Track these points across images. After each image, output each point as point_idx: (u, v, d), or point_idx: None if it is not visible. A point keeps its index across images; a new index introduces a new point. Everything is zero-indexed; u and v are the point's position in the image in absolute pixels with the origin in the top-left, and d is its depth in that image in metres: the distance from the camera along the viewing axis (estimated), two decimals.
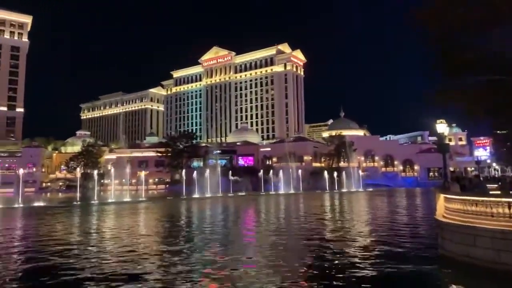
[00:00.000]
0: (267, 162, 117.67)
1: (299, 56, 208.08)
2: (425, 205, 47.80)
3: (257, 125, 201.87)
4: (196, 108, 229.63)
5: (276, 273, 12.29)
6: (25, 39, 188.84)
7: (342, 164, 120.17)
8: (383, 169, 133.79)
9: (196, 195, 75.38)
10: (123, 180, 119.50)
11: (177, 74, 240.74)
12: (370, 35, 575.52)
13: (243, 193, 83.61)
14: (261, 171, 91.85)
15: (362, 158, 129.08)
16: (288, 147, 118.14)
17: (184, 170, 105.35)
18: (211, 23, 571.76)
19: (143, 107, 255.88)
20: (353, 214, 34.12)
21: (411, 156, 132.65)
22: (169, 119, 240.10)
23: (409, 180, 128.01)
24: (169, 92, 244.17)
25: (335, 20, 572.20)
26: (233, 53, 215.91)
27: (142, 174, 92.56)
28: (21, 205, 52.00)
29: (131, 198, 65.73)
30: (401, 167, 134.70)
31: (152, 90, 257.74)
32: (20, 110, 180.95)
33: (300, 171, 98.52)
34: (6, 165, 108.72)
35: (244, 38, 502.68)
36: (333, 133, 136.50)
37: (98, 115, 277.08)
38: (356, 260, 14.06)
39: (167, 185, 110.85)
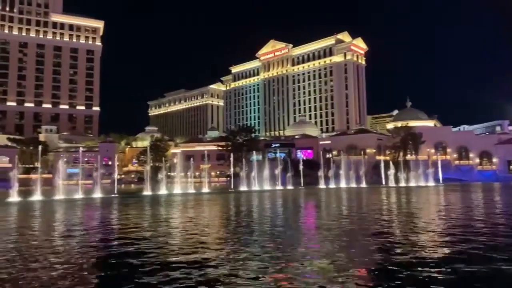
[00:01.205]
0: (327, 155, 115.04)
1: (360, 45, 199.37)
2: (507, 201, 42.79)
3: (315, 117, 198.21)
4: (254, 102, 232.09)
5: (341, 269, 11.54)
6: (98, 42, 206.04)
7: (409, 157, 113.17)
8: (456, 162, 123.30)
9: (255, 188, 76.15)
10: (187, 173, 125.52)
11: (235, 69, 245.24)
12: (439, 18, 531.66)
13: (303, 187, 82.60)
14: (321, 164, 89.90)
15: (432, 151, 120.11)
16: (350, 139, 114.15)
17: (243, 164, 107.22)
18: (268, 17, 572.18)
19: (204, 102, 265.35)
20: (424, 210, 31.60)
21: (489, 147, 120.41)
22: (229, 113, 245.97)
23: (487, 174, 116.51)
24: (228, 88, 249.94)
25: (399, 3, 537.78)
26: (290, 45, 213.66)
27: (205, 167, 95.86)
28: (100, 196, 56.81)
29: (195, 190, 68.41)
30: (477, 160, 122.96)
31: (212, 86, 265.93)
32: (96, 108, 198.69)
33: (362, 164, 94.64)
34: (86, 159, 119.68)
35: (301, 30, 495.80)
36: (399, 124, 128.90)
37: (164, 111, 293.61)
38: (428, 258, 12.76)
39: (228, 178, 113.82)
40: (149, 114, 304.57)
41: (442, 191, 61.45)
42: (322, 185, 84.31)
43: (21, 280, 10.73)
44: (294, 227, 22.47)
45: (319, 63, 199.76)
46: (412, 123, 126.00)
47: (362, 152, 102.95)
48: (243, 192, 64.72)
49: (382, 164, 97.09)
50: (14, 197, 48.48)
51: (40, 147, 75.15)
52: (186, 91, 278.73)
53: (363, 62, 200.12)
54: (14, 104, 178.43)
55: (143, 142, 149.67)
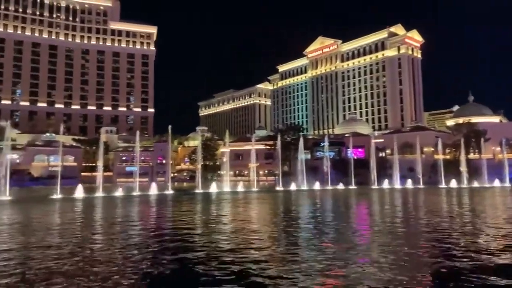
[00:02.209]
0: (380, 154, 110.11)
1: (415, 37, 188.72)
2: None
3: (367, 115, 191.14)
4: (302, 101, 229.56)
5: (399, 273, 10.57)
6: (152, 47, 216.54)
7: (471, 156, 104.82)
8: None
9: (304, 187, 74.97)
10: (237, 172, 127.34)
11: (282, 68, 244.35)
12: (501, 4, 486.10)
13: (354, 187, 79.84)
14: (373, 163, 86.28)
15: (498, 149, 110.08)
16: (405, 137, 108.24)
17: (291, 162, 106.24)
18: (315, 14, 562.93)
19: (251, 102, 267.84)
20: (493, 214, 28.66)
21: None
22: (276, 112, 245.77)
23: None
24: (275, 87, 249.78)
25: None
26: (339, 41, 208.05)
27: (253, 166, 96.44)
28: (155, 192, 59.41)
29: (244, 189, 69.01)
30: None
31: (259, 85, 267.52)
32: (151, 110, 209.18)
33: (419, 163, 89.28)
34: (142, 158, 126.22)
35: (350, 25, 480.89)
36: (460, 120, 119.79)
37: (213, 111, 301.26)
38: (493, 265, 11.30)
39: (276, 177, 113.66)
40: (200, 115, 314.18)
41: (509, 193, 55.83)
42: (374, 185, 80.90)
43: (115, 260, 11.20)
44: (349, 228, 21.46)
45: (370, 58, 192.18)
46: (475, 119, 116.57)
47: (419, 151, 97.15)
48: (292, 191, 63.98)
49: (441, 164, 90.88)
50: (79, 193, 52.15)
51: (101, 147, 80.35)
52: (234, 91, 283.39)
53: (419, 56, 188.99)
54: (78, 107, 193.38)
55: (194, 141, 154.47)
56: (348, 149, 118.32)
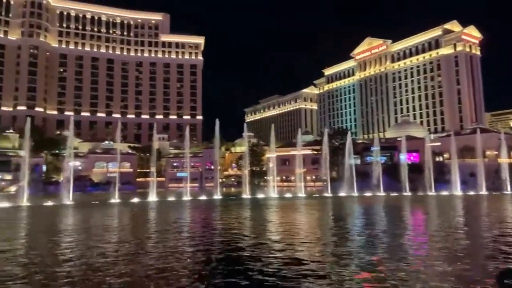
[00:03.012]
0: (437, 159, 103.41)
1: (472, 34, 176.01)
2: None
3: (421, 117, 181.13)
4: (349, 104, 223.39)
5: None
6: (200, 57, 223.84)
7: None
8: None
9: (354, 193, 72.38)
10: (283, 177, 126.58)
11: (328, 71, 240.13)
12: None
13: (408, 193, 75.56)
14: (430, 168, 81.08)
15: None
16: (464, 140, 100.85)
17: (340, 168, 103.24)
18: (361, 15, 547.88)
19: (297, 107, 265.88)
20: None
21: None
22: (322, 117, 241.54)
23: None
24: (321, 91, 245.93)
25: None
26: (389, 41, 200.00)
27: (300, 171, 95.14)
28: (204, 198, 60.73)
29: (291, 194, 68.18)
30: None
31: (305, 90, 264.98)
32: (199, 117, 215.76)
33: (481, 168, 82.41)
34: (192, 164, 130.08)
35: (398, 25, 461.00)
36: None
37: (259, 117, 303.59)
38: None
39: (324, 183, 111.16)
40: (246, 121, 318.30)
41: None
42: (431, 192, 75.95)
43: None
44: (405, 237, 20.01)
45: (424, 57, 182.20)
46: None
47: (481, 154, 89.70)
48: (342, 197, 61.95)
49: (506, 168, 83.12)
50: (136, 198, 54.72)
51: (154, 154, 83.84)
52: (279, 97, 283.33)
53: (478, 53, 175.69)
54: (133, 116, 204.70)
55: (241, 147, 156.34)
56: (401, 154, 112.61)
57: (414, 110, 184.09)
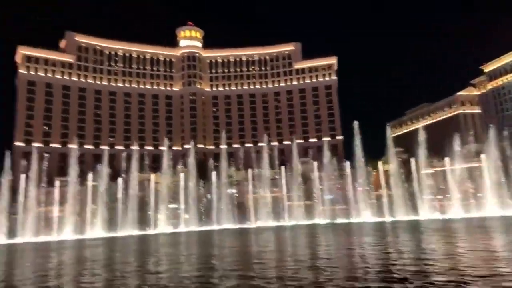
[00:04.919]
0: None
1: None
2: None
3: None
4: None
5: None
6: (333, 77, 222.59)
7: None
8: None
9: None
10: (446, 195, 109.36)
11: (488, 67, 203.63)
12: None
13: None
14: None
15: None
16: None
17: None
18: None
19: (453, 113, 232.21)
20: None
21: None
22: (489, 120, 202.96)
23: None
24: (483, 91, 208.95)
25: None
26: None
27: (470, 187, 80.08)
28: (371, 220, 56.56)
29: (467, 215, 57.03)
30: None
31: (460, 93, 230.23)
32: (339, 137, 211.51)
33: None
34: (338, 185, 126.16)
35: None
36: None
37: (405, 130, 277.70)
38: None
39: None
40: (389, 136, 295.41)
41: None
42: None
43: None
44: None
45: None
46: None
47: None
48: None
49: None
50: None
51: (298, 178, 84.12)
52: (429, 105, 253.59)
53: None
54: (276, 143, 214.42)
55: (388, 165, 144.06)
56: None
57: None
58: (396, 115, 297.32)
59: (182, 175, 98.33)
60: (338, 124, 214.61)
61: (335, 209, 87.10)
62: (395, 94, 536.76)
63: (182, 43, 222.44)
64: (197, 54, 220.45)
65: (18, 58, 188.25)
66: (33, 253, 35.97)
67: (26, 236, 68.92)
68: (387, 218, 67.65)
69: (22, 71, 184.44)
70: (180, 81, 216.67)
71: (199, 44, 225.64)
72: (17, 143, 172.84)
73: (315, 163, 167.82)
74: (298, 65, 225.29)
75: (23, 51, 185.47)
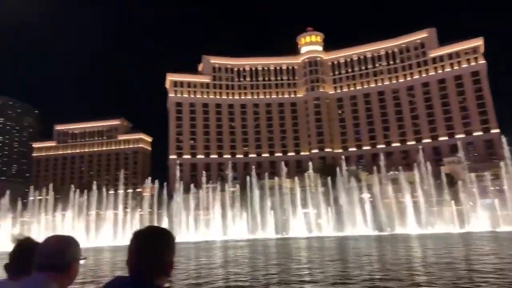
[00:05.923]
0: None
1: None
2: None
3: None
4: None
5: None
6: (481, 61, 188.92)
7: None
8: None
9: None
10: None
11: None
12: None
13: None
14: None
15: None
16: None
17: None
18: None
19: None
20: None
21: None
22: None
23: None
24: None
25: None
26: None
27: None
28: None
29: None
30: None
31: None
32: (494, 131, 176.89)
33: None
34: (497, 188, 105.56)
35: None
36: None
37: None
38: None
39: None
40: None
41: None
42: None
43: None
44: None
45: None
46: None
47: None
48: None
49: None
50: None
51: (444, 179, 73.10)
52: None
53: None
54: (413, 142, 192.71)
55: None
56: None
57: None
58: None
59: (311, 179, 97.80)
60: (492, 116, 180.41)
61: (497, 215, 72.03)
62: None
63: (303, 49, 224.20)
64: (318, 58, 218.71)
65: (167, 84, 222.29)
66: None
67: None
68: None
69: (171, 94, 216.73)
70: (303, 87, 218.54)
71: (320, 48, 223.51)
72: (171, 156, 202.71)
73: (465, 163, 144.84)
74: (434, 53, 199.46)
75: (170, 77, 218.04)
